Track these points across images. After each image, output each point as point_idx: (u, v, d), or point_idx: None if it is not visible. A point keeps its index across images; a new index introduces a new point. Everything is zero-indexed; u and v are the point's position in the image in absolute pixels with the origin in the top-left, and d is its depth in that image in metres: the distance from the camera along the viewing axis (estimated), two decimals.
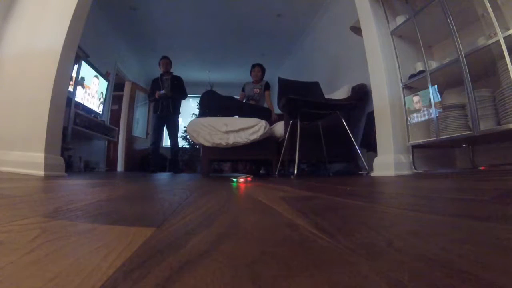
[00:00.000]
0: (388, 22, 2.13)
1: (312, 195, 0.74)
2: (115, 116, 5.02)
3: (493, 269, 0.18)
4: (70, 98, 2.78)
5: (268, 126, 2.57)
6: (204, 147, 2.63)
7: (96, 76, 3.60)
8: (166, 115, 3.79)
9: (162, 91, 3.70)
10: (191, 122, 2.72)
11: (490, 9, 1.41)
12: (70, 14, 2.00)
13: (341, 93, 2.85)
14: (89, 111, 3.50)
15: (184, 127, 5.19)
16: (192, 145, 5.88)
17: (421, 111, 1.90)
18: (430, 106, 1.81)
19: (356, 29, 2.57)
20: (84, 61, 3.20)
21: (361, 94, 2.74)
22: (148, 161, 4.74)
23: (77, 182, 1.40)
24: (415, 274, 0.18)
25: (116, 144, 5.03)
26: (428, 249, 0.23)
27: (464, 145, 1.95)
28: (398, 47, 2.07)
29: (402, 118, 1.99)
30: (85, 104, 3.37)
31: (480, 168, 1.81)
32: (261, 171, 3.98)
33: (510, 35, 1.33)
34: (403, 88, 2.01)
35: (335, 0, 3.68)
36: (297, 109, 2.21)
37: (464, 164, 1.97)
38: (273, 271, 0.18)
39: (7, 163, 1.86)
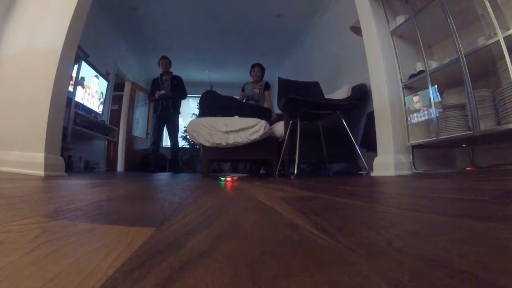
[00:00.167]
0: (388, 22, 2.13)
1: (312, 195, 0.74)
2: (115, 116, 5.02)
3: (493, 269, 0.18)
4: (70, 98, 2.79)
5: (268, 126, 2.58)
6: (204, 147, 2.63)
7: (96, 76, 3.60)
8: (166, 115, 3.79)
9: (162, 91, 3.70)
10: (191, 122, 2.72)
11: (490, 9, 1.41)
12: (70, 14, 2.00)
13: (341, 93, 2.84)
14: (89, 111, 3.50)
15: (184, 127, 5.19)
16: (192, 145, 5.88)
17: (421, 111, 1.90)
18: (430, 106, 1.81)
19: (356, 29, 2.57)
20: (84, 61, 3.20)
21: (361, 94, 2.74)
22: (148, 161, 4.74)
23: (77, 182, 1.40)
24: (415, 274, 0.18)
25: (116, 144, 5.03)
26: (428, 249, 0.23)
27: (464, 145, 1.95)
28: (398, 47, 2.07)
29: (402, 118, 1.99)
30: (85, 104, 3.37)
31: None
32: (261, 171, 3.98)
33: (510, 35, 1.33)
34: (403, 88, 2.01)
35: (335, 0, 3.68)
36: (297, 109, 2.21)
37: (464, 164, 1.97)
38: (273, 271, 0.18)
39: (7, 163, 1.86)
